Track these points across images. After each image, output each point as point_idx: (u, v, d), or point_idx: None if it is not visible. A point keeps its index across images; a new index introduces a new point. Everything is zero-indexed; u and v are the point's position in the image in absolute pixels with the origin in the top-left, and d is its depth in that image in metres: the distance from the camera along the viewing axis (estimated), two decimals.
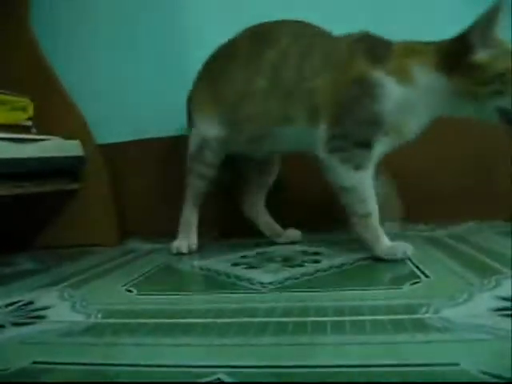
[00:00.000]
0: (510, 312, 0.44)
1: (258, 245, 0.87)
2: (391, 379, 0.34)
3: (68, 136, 0.96)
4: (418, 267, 0.64)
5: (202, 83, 0.84)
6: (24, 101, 0.95)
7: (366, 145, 0.65)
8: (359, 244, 0.71)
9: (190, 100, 0.87)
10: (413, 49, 0.66)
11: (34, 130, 0.96)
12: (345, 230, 0.77)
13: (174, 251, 0.85)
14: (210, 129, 0.81)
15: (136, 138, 1.03)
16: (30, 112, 0.96)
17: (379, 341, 0.41)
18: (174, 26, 1.01)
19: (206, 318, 0.50)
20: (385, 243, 0.67)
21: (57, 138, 0.94)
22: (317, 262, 0.72)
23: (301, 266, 0.70)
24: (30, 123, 0.96)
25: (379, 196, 0.69)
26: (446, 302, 0.48)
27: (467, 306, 0.47)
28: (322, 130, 0.67)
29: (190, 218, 0.87)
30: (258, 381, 0.35)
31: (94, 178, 0.98)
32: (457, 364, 0.35)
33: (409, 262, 0.66)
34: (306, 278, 0.63)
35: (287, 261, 0.74)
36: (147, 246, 0.96)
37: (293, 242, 0.88)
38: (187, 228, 0.87)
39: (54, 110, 0.98)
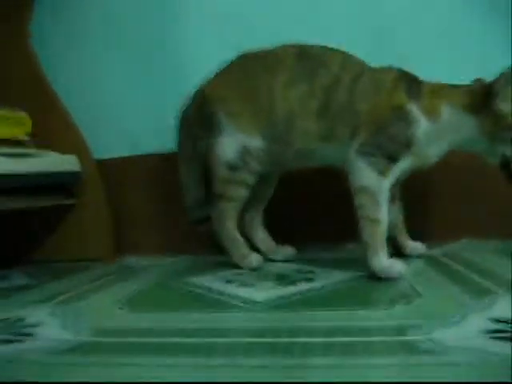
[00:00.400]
0: (501, 335, 0.44)
1: None
2: None
3: (65, 151, 0.96)
4: (411, 287, 0.63)
5: (235, 90, 0.82)
6: (22, 116, 0.95)
7: (394, 158, 0.73)
8: (353, 263, 0.72)
9: (210, 106, 0.83)
10: (442, 90, 0.76)
11: (31, 145, 0.96)
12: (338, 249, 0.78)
13: (246, 266, 0.82)
14: (252, 139, 0.80)
15: (133, 153, 1.03)
16: (28, 127, 0.96)
17: (369, 363, 0.40)
18: (173, 40, 1.02)
19: (194, 337, 0.50)
20: (383, 259, 0.70)
21: (54, 153, 0.94)
22: (310, 280, 0.71)
23: (294, 284, 0.69)
24: (27, 138, 0.97)
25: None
26: (437, 324, 0.48)
27: (458, 328, 0.46)
28: (356, 142, 0.75)
29: (236, 231, 0.84)
30: None
31: (91, 193, 0.98)
32: None
33: (403, 282, 0.66)
34: (298, 297, 0.63)
35: (281, 279, 0.73)
36: (143, 262, 0.96)
37: (287, 260, 0.87)
38: (238, 242, 0.84)
39: (52, 125, 0.98)
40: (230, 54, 0.85)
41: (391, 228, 0.85)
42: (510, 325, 0.46)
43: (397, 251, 0.86)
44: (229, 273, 0.80)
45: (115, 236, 1.00)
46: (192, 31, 1.02)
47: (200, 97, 0.85)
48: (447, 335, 0.45)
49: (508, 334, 0.44)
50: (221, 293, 0.67)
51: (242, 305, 0.61)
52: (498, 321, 0.47)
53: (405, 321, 0.50)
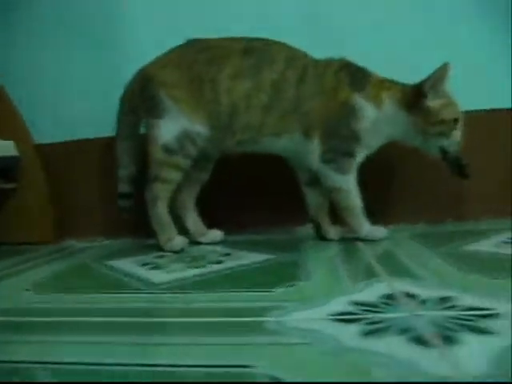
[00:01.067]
0: (346, 317, 0.46)
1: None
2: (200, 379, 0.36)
3: (5, 136, 0.98)
4: (308, 269, 0.65)
5: (180, 76, 0.83)
6: None
7: (350, 154, 0.82)
8: (275, 247, 0.77)
9: (154, 87, 0.83)
10: (385, 83, 0.82)
11: None
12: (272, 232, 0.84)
13: (169, 249, 0.84)
14: (195, 125, 0.82)
15: (73, 138, 1.04)
16: None
17: (197, 342, 0.42)
18: (112, 28, 1.02)
19: (79, 316, 0.52)
20: (367, 228, 0.83)
21: None
22: (220, 262, 0.73)
23: (203, 267, 0.72)
24: None
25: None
26: (300, 306, 0.50)
27: (314, 311, 0.48)
28: (315, 145, 0.82)
29: (166, 214, 0.85)
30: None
31: (31, 177, 1.00)
32: (250, 366, 0.36)
33: (304, 264, 0.68)
34: (196, 279, 0.65)
35: (194, 261, 0.76)
36: (81, 245, 0.98)
37: (214, 243, 0.90)
38: (167, 225, 0.85)
39: None
40: (174, 43, 0.85)
41: (314, 212, 0.88)
42: (361, 307, 0.48)
43: (320, 235, 0.88)
44: (151, 256, 0.82)
45: (56, 219, 1.03)
46: (133, 19, 1.03)
47: (144, 77, 0.85)
48: (297, 317, 0.46)
49: (353, 317, 0.46)
50: (130, 275, 0.69)
51: (140, 287, 0.63)
52: (357, 304, 0.49)
53: (274, 303, 0.51)
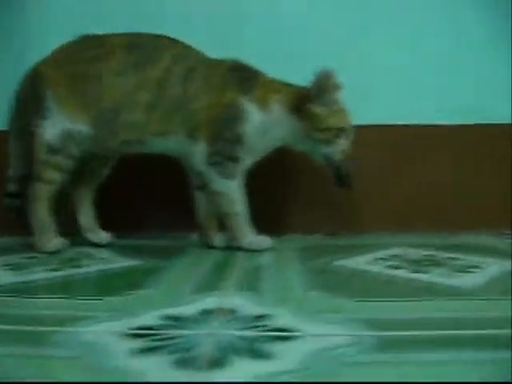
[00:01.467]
0: (143, 331, 0.43)
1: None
2: None
3: None
4: (160, 278, 0.63)
5: (64, 74, 0.80)
6: None
7: (234, 159, 0.79)
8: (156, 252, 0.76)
9: (40, 86, 0.80)
10: (275, 85, 0.81)
11: None
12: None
13: (42, 249, 0.80)
14: (77, 124, 0.79)
15: None
16: None
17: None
18: (13, 24, 0.99)
19: None
20: (250, 237, 0.80)
21: None
22: (78, 267, 0.70)
23: (60, 270, 0.68)
24: None
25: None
26: (108, 317, 0.47)
27: (118, 323, 0.45)
28: (201, 146, 0.79)
29: (45, 215, 0.81)
30: None
31: None
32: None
33: (162, 273, 0.65)
34: (41, 283, 0.62)
35: (60, 264, 0.72)
36: None
37: (100, 244, 0.86)
38: (44, 225, 0.81)
39: None
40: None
41: (202, 218, 0.85)
42: (168, 322, 0.45)
43: (204, 242, 0.85)
44: (21, 256, 0.78)
45: None
46: (34, 15, 0.99)
47: (33, 75, 0.83)
48: (94, 329, 0.43)
49: (146, 332, 0.43)
50: None
51: None
52: (168, 318, 0.46)
53: (89, 313, 0.48)
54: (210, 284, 0.60)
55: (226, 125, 0.79)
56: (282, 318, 0.46)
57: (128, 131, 0.79)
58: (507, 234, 0.91)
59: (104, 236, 0.87)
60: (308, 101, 0.78)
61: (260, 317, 0.46)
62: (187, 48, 0.82)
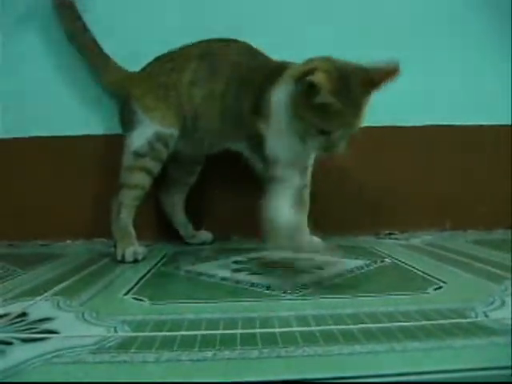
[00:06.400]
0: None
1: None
2: None
3: None
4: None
5: (147, 88, 0.86)
6: None
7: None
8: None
9: (132, 102, 0.86)
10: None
11: None
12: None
13: (131, 259, 0.81)
14: (167, 127, 0.84)
15: None
16: None
17: None
18: None
19: None
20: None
21: None
22: None
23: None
24: None
25: None
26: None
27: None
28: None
29: (128, 221, 0.84)
30: None
31: None
32: None
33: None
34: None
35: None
36: None
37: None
38: (127, 233, 0.84)
39: None
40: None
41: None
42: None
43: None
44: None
45: None
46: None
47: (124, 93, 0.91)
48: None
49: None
50: None
51: None
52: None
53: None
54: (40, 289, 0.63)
55: None
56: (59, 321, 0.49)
57: (208, 137, 0.86)
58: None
59: (207, 236, 0.98)
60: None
61: (40, 320, 0.50)
62: (249, 52, 0.85)
